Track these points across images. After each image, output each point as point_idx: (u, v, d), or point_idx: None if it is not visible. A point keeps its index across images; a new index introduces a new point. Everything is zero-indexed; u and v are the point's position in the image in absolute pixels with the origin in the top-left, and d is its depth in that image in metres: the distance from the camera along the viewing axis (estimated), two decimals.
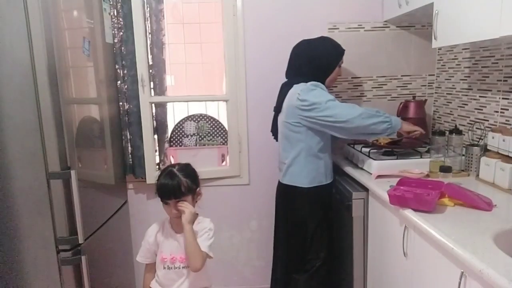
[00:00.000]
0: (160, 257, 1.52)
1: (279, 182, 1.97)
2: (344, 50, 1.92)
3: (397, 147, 1.97)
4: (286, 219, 1.95)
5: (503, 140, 1.58)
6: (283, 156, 1.91)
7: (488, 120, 1.84)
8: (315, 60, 1.84)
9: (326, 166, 1.87)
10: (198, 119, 2.42)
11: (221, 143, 2.44)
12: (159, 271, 1.54)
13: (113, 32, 2.11)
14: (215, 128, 2.44)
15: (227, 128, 2.38)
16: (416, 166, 1.76)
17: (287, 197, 1.92)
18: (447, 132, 1.81)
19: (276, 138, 2.01)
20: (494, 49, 1.80)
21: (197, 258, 1.42)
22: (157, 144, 2.31)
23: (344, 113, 1.70)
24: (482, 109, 1.89)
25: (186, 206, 1.44)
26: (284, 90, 1.88)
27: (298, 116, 1.77)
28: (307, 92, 1.74)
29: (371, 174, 1.80)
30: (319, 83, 1.79)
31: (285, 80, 1.95)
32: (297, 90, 1.78)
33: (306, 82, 1.78)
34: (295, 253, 1.93)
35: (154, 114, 2.28)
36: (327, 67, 1.88)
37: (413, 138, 1.90)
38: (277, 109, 1.93)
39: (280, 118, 1.90)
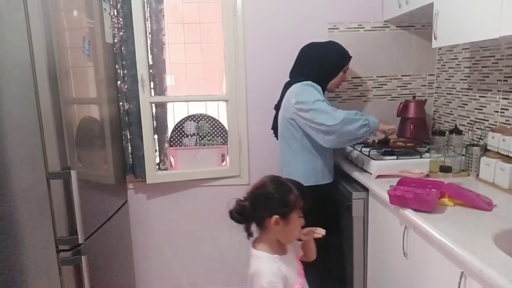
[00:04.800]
0: None
1: None
2: (350, 57, 1.94)
3: (396, 147, 1.97)
4: None
5: (503, 140, 1.58)
6: (281, 154, 1.93)
7: (488, 120, 1.84)
8: (319, 63, 1.86)
9: (324, 165, 1.87)
10: (198, 119, 2.42)
11: (221, 143, 2.44)
12: None
13: (113, 32, 2.11)
14: (215, 128, 2.44)
15: (227, 128, 2.38)
16: (416, 166, 1.76)
17: None
18: (447, 132, 1.81)
19: (276, 136, 2.02)
20: (494, 49, 1.80)
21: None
22: (157, 144, 2.31)
23: (327, 117, 1.68)
24: (482, 109, 1.89)
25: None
26: (285, 88, 1.90)
27: (293, 114, 1.79)
28: (299, 90, 1.77)
29: (371, 174, 1.80)
30: (313, 83, 1.79)
31: (288, 79, 1.95)
32: (293, 88, 1.81)
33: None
34: None
35: (154, 114, 2.28)
36: (329, 70, 1.89)
37: (387, 137, 1.93)
38: (277, 107, 1.95)
39: (279, 115, 1.92)
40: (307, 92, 1.76)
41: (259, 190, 1.24)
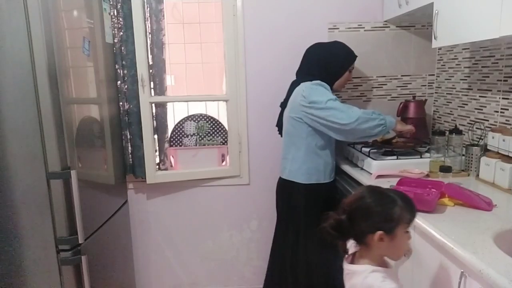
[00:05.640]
0: None
1: (279, 177, 2.00)
2: (356, 57, 1.96)
3: (396, 147, 1.97)
4: (284, 214, 1.98)
5: (503, 140, 1.58)
6: (284, 152, 1.95)
7: (488, 120, 1.84)
8: (326, 63, 1.89)
9: (326, 165, 1.89)
10: (198, 119, 2.42)
11: (221, 143, 2.44)
12: None
13: (113, 32, 2.11)
14: (215, 128, 2.44)
15: (227, 128, 2.38)
16: (416, 166, 1.76)
17: (285, 191, 1.96)
18: (447, 132, 1.81)
19: (280, 133, 2.04)
20: (494, 49, 1.80)
21: None
22: (157, 144, 2.31)
23: (342, 116, 1.71)
24: (482, 109, 1.89)
25: None
26: (292, 87, 1.92)
27: (301, 112, 1.81)
28: (309, 90, 1.79)
29: (371, 174, 1.80)
30: (323, 82, 1.81)
31: (294, 79, 1.97)
32: (302, 87, 1.82)
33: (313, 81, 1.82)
34: (289, 249, 1.93)
35: (154, 114, 2.28)
36: (336, 70, 1.92)
37: (406, 137, 1.95)
38: (283, 105, 1.96)
39: (285, 113, 1.93)
40: (318, 91, 1.78)
41: (357, 203, 1.10)
